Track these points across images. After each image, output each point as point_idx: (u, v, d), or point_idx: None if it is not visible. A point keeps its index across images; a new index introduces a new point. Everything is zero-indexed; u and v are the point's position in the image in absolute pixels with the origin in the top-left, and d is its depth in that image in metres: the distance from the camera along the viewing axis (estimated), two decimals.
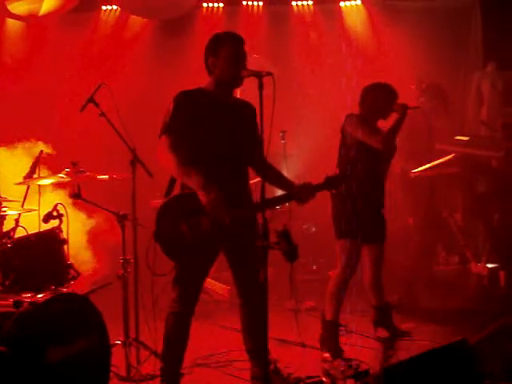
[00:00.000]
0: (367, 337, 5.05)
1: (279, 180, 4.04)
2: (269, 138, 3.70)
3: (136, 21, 7.67)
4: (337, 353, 4.69)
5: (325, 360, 4.57)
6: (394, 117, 4.77)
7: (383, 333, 5.03)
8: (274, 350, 4.12)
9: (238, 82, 3.81)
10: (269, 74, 3.55)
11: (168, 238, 3.65)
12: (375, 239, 4.90)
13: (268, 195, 3.57)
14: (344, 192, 4.71)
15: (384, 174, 4.92)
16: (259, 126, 3.50)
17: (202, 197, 3.59)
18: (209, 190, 3.58)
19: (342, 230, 4.79)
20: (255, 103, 3.72)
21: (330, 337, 4.79)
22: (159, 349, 4.03)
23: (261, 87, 3.52)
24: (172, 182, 3.81)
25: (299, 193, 3.90)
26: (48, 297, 3.52)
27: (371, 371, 4.11)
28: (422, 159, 6.26)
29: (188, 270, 3.79)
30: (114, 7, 7.57)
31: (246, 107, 3.97)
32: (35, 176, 4.68)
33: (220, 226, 3.64)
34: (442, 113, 6.54)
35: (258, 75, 3.55)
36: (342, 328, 5.03)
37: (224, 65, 3.78)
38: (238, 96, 4.18)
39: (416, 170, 6.24)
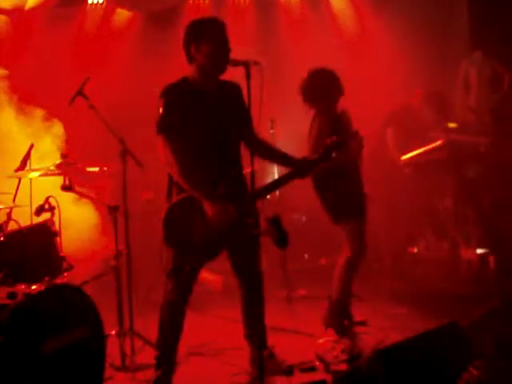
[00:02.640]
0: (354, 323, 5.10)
1: (274, 154, 4.07)
2: (257, 127, 3.74)
3: (122, 13, 7.66)
4: (342, 331, 4.73)
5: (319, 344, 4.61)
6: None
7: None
8: (268, 338, 4.17)
9: (222, 67, 3.79)
10: (256, 63, 3.58)
11: (178, 240, 3.71)
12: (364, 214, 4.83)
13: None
14: (327, 179, 4.70)
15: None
16: (245, 103, 3.51)
17: (208, 208, 3.64)
18: (213, 201, 3.64)
19: (343, 212, 4.73)
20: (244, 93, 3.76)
21: (337, 317, 4.79)
22: (153, 339, 4.06)
23: (248, 77, 3.55)
24: (171, 181, 3.84)
25: (302, 167, 3.93)
26: (42, 288, 3.53)
27: (363, 355, 4.16)
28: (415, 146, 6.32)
29: (188, 265, 3.83)
30: (101, 0, 7.55)
31: (231, 88, 3.96)
32: (26, 169, 4.68)
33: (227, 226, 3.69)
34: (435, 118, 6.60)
35: (246, 65, 3.57)
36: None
37: (208, 50, 3.76)
38: None
39: (405, 157, 6.28)
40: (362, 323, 5.00)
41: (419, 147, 6.35)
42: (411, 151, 6.40)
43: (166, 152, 3.71)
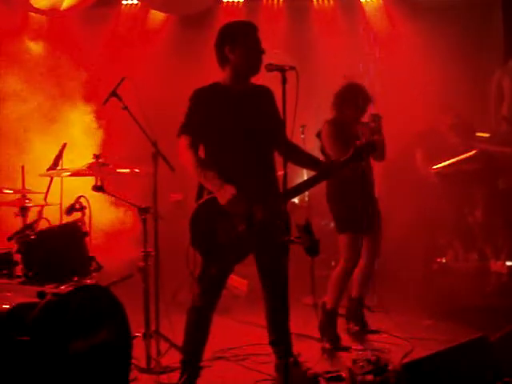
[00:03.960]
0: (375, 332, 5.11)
1: (306, 159, 4.06)
2: (291, 132, 3.72)
3: (156, 15, 7.69)
4: (335, 341, 4.82)
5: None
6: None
7: (353, 327, 5.14)
8: (294, 345, 4.14)
9: (256, 69, 3.81)
10: (292, 68, 3.56)
11: (205, 242, 3.72)
12: (371, 230, 4.94)
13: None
14: (336, 192, 4.89)
15: (369, 169, 4.97)
16: (277, 108, 3.50)
17: (220, 197, 3.64)
18: (225, 190, 3.63)
19: (342, 225, 4.90)
20: (278, 98, 3.75)
21: (330, 325, 4.90)
22: (179, 341, 4.06)
23: (284, 81, 3.54)
24: (202, 184, 3.84)
25: (328, 169, 3.92)
26: (71, 288, 3.55)
27: (390, 366, 4.11)
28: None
29: (215, 268, 3.82)
30: (135, 2, 7.59)
31: (262, 92, 3.97)
32: (58, 168, 4.72)
33: (250, 222, 3.67)
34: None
35: (282, 69, 3.56)
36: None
37: (243, 51, 3.78)
38: None
39: (437, 166, 6.22)
40: (376, 332, 5.08)
41: None
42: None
43: (183, 152, 3.75)
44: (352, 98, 4.90)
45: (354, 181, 4.79)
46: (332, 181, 4.81)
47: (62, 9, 6.80)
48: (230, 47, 3.81)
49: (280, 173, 3.70)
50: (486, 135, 6.50)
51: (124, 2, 7.57)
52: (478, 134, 6.53)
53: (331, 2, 8.03)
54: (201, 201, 3.78)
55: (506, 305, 5.55)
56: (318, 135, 5.02)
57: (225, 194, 3.63)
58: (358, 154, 3.93)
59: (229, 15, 7.66)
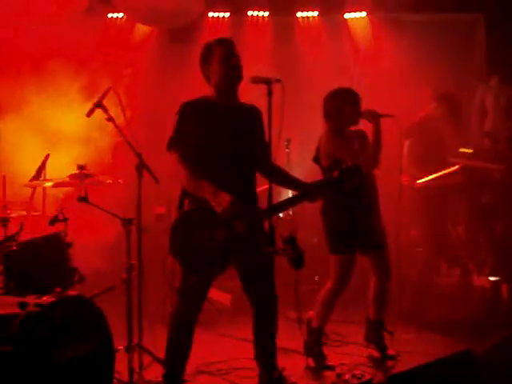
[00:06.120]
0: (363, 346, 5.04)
1: (288, 180, 4.06)
2: (277, 144, 3.73)
3: (142, 29, 7.68)
4: (320, 359, 4.74)
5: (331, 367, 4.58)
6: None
7: (374, 352, 4.95)
8: (278, 359, 4.11)
9: (235, 81, 3.85)
10: (278, 80, 3.59)
11: (184, 251, 3.69)
12: (369, 248, 4.80)
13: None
14: (330, 208, 4.75)
15: (368, 181, 4.80)
16: (266, 130, 3.52)
17: (216, 206, 3.62)
18: (222, 199, 3.62)
19: (332, 245, 4.78)
20: (263, 110, 3.77)
21: (315, 343, 4.82)
22: (162, 355, 4.02)
23: (270, 94, 3.56)
24: (183, 195, 3.83)
25: (310, 191, 3.90)
26: (53, 299, 3.50)
27: (374, 381, 4.10)
28: (433, 168, 6.23)
29: (195, 279, 3.79)
30: (120, 15, 7.58)
31: (250, 111, 4.00)
32: (41, 179, 4.68)
33: (234, 234, 3.64)
34: (452, 124, 6.52)
35: (268, 82, 3.58)
36: (338, 338, 5.17)
37: (217, 69, 3.84)
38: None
39: (421, 181, 6.24)
40: (394, 357, 4.85)
41: (436, 160, 6.26)
42: (427, 165, 6.29)
43: (177, 167, 3.75)
44: (339, 105, 4.74)
45: (350, 194, 4.48)
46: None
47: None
48: (206, 66, 3.90)
49: (265, 187, 3.71)
50: (470, 151, 6.54)
51: (110, 15, 7.55)
52: (462, 150, 6.56)
53: (316, 19, 8.07)
54: (182, 211, 3.77)
55: (490, 319, 5.56)
56: (316, 159, 4.82)
57: (221, 201, 3.62)
58: (342, 178, 3.83)
59: (214, 29, 7.69)
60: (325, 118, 4.82)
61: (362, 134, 4.87)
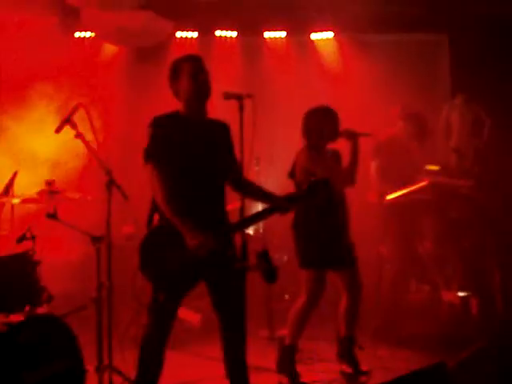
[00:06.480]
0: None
1: (260, 193, 4.05)
2: (248, 160, 3.74)
3: (109, 48, 7.66)
4: (293, 377, 4.72)
5: None
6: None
7: (347, 368, 4.93)
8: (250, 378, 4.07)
9: (204, 96, 3.86)
10: (250, 96, 3.60)
11: (153, 267, 3.65)
12: (341, 264, 4.82)
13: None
14: (301, 223, 4.76)
15: (341, 198, 4.86)
16: (235, 145, 3.52)
17: (188, 240, 3.60)
18: (194, 235, 3.60)
19: (303, 260, 4.77)
20: (234, 126, 3.77)
21: (288, 361, 4.79)
22: (132, 376, 3.95)
23: (241, 109, 3.57)
24: (153, 210, 3.80)
25: (280, 203, 3.90)
26: (22, 318, 3.43)
27: None
28: (401, 186, 6.28)
29: (165, 296, 3.75)
30: (88, 34, 7.55)
31: (219, 126, 4.01)
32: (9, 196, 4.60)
33: (199, 250, 3.63)
34: (418, 142, 6.59)
35: (239, 97, 3.60)
36: (311, 355, 5.13)
37: (184, 85, 3.85)
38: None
39: (390, 197, 6.28)
40: (367, 373, 4.87)
41: (403, 178, 6.32)
42: (395, 183, 6.34)
43: (153, 180, 3.73)
44: (320, 122, 4.80)
45: (322, 210, 4.69)
46: (298, 209, 4.71)
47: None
48: (176, 82, 3.91)
49: (236, 205, 3.71)
50: (436, 168, 6.62)
51: (77, 34, 7.51)
52: (429, 167, 6.64)
53: (283, 39, 8.16)
54: (151, 227, 3.74)
55: (461, 333, 5.60)
56: (292, 175, 4.87)
57: (193, 238, 3.60)
58: (311, 191, 3.84)
59: (182, 49, 7.69)
60: (304, 135, 4.87)
61: (336, 154, 4.97)
